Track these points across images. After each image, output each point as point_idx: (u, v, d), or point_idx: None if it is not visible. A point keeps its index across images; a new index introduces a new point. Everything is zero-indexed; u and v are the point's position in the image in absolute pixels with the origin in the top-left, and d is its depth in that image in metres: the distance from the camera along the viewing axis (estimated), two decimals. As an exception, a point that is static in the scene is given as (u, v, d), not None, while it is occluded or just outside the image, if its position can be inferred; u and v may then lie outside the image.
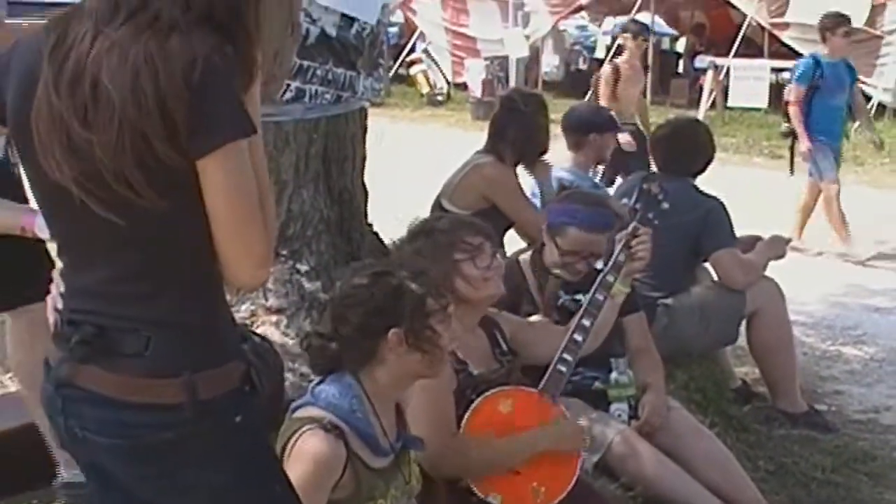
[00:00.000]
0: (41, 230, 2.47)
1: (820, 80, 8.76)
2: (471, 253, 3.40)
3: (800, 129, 8.80)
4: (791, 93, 8.96)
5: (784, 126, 9.27)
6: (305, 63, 4.28)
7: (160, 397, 1.99)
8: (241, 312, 4.15)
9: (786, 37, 16.71)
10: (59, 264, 2.16)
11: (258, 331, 3.97)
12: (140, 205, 1.91)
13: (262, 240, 1.98)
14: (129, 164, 1.89)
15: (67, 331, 2.07)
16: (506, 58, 19.37)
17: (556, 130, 5.83)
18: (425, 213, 4.82)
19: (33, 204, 2.26)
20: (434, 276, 2.89)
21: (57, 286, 2.15)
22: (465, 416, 3.33)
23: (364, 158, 4.83)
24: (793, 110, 8.87)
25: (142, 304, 2.02)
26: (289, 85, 4.24)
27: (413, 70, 20.38)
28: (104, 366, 2.01)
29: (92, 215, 1.96)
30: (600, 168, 7.60)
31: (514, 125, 5.34)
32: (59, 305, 2.13)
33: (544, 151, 5.52)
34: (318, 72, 4.35)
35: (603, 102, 8.92)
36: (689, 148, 5.50)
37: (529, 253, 4.52)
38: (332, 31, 4.34)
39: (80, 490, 3.60)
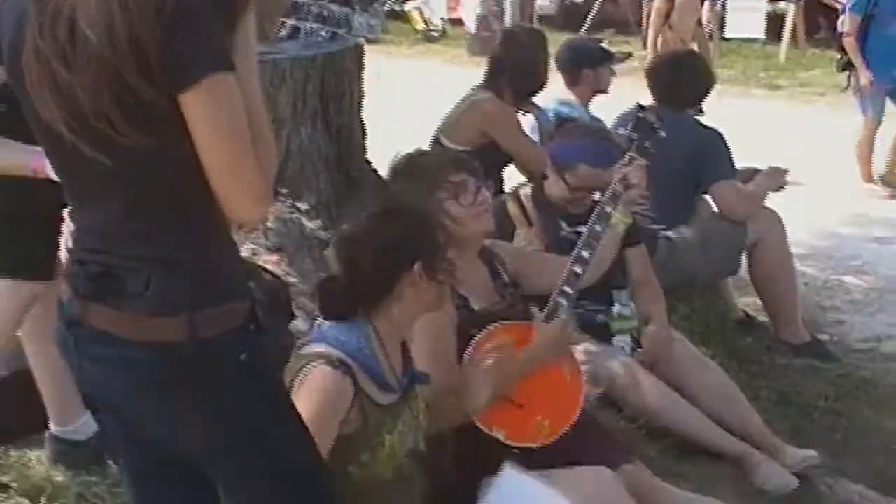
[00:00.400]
0: (52, 171, 2.45)
1: (875, 8, 8.43)
2: (453, 192, 3.35)
3: (858, 62, 8.50)
4: (845, 23, 8.60)
5: (840, 59, 8.88)
6: (300, 0, 4.25)
7: (162, 335, 2.01)
8: (242, 252, 4.14)
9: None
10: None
11: (260, 270, 3.97)
12: (123, 143, 1.92)
13: (256, 175, 1.97)
14: (108, 103, 1.89)
15: (76, 270, 2.09)
16: (500, -8, 19.19)
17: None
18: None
19: None
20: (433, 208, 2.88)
21: (67, 226, 2.16)
22: (467, 352, 3.33)
23: (362, 95, 4.80)
24: (848, 42, 8.55)
25: (137, 242, 2.03)
26: (284, 22, 4.21)
27: (408, 6, 20.20)
28: (110, 304, 2.03)
29: (82, 156, 1.97)
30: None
31: (514, 61, 5.30)
32: (70, 245, 2.13)
33: (543, 86, 5.48)
34: (313, 8, 4.32)
35: (652, 33, 8.60)
36: (686, 79, 5.47)
37: (530, 187, 4.51)
38: (327, -32, 4.31)
39: (65, 446, 3.63)
